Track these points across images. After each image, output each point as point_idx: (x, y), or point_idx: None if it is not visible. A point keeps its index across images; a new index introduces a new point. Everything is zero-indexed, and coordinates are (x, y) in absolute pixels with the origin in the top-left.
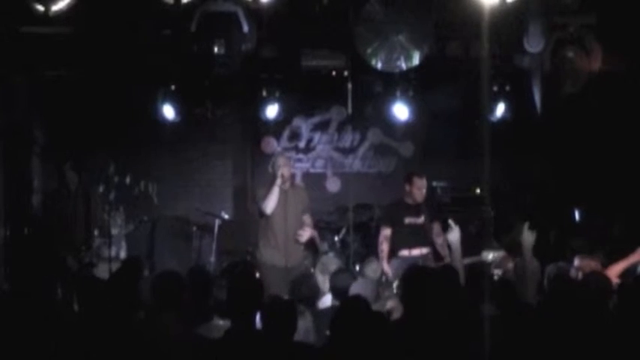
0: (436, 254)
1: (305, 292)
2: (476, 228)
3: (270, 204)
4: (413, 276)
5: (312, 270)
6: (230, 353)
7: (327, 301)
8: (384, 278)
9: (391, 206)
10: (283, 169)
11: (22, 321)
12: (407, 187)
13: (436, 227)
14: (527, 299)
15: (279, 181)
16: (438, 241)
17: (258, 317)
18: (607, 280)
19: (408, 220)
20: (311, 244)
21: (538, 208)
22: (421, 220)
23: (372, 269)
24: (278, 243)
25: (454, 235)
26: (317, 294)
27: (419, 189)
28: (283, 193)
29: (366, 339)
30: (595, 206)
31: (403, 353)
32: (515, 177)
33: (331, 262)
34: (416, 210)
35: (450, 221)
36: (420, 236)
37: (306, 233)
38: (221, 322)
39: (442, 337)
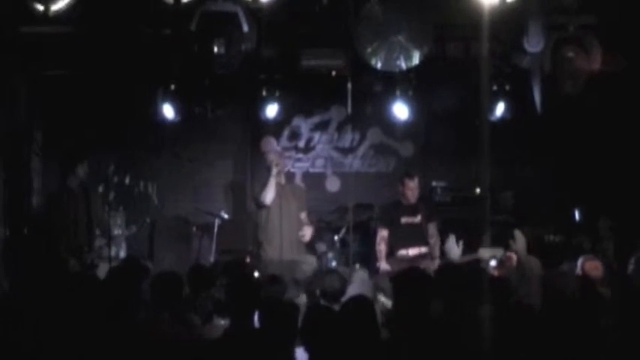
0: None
1: (334, 285)
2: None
3: (268, 194)
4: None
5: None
6: (229, 352)
7: None
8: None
9: (388, 207)
10: (276, 160)
11: (22, 321)
12: (400, 189)
13: (431, 228)
14: (531, 299)
15: (274, 170)
16: (430, 241)
17: (256, 317)
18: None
19: (405, 220)
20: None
21: (538, 208)
22: (418, 219)
23: (359, 278)
24: (280, 237)
25: (454, 252)
26: (344, 289)
27: (410, 190)
28: (280, 187)
29: (368, 339)
30: (595, 206)
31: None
32: (515, 177)
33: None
34: (412, 209)
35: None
36: (417, 235)
37: (308, 232)
38: (221, 322)
39: (442, 336)
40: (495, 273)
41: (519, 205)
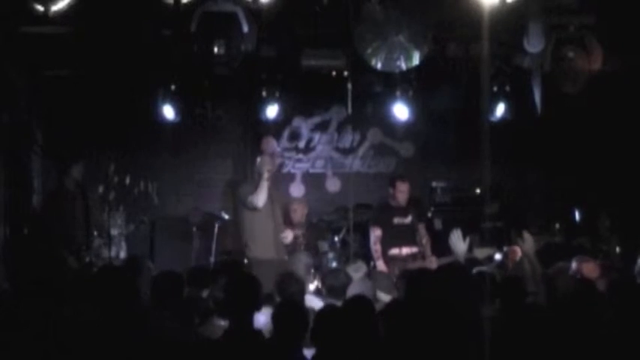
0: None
1: (340, 281)
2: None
3: (262, 197)
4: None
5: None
6: (228, 353)
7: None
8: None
9: (379, 208)
10: (268, 165)
11: (23, 321)
12: (391, 191)
13: (421, 228)
14: (540, 299)
15: (266, 175)
16: (422, 241)
17: (256, 317)
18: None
19: (396, 221)
20: (313, 245)
21: (538, 209)
22: (409, 220)
23: (353, 269)
24: (269, 236)
25: (460, 246)
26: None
27: (402, 192)
28: (269, 190)
29: (367, 339)
30: (595, 206)
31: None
32: (515, 177)
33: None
34: (403, 211)
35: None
36: (409, 236)
37: (289, 235)
38: (222, 322)
39: (442, 336)
40: (504, 267)
41: (515, 208)
